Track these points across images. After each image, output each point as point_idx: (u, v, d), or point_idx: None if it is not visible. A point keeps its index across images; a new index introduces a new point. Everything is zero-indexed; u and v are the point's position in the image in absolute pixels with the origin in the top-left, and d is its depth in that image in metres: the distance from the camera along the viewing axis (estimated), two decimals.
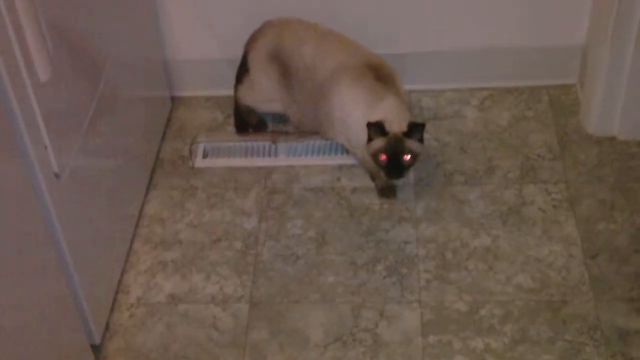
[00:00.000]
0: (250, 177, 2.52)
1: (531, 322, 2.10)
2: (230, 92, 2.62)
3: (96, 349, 2.08)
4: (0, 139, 1.62)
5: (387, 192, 2.43)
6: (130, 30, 2.41)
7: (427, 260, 2.26)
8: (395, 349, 2.08)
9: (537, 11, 2.60)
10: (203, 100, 2.78)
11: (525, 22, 2.63)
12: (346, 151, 2.52)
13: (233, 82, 2.59)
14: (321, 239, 2.34)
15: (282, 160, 2.57)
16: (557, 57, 2.67)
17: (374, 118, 2.26)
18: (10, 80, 1.64)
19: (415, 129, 2.25)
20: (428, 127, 2.47)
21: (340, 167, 2.53)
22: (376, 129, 2.24)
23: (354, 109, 2.33)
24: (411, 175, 2.46)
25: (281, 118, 2.61)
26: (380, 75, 2.35)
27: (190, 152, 2.61)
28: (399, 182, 2.42)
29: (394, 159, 2.25)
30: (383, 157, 2.25)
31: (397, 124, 2.25)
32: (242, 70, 2.55)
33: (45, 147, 1.79)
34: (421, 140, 2.27)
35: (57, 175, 1.84)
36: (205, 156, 2.60)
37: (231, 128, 2.67)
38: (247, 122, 2.64)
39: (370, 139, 2.27)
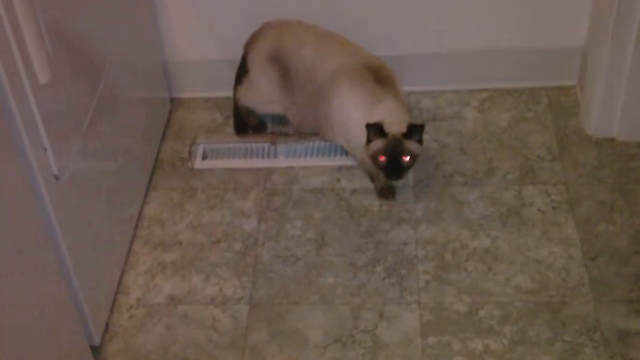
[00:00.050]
0: (249, 178, 2.53)
1: (530, 323, 2.11)
2: (230, 93, 2.62)
3: (96, 350, 2.08)
4: None
5: (386, 193, 2.43)
6: (129, 31, 2.41)
7: (427, 261, 2.26)
8: (394, 350, 2.08)
9: (536, 13, 2.60)
10: (202, 101, 2.78)
11: (525, 24, 2.63)
12: (345, 152, 2.52)
13: (232, 83, 2.59)
14: (320, 240, 2.34)
15: (281, 162, 2.57)
16: (557, 58, 2.68)
17: (373, 119, 2.26)
18: (10, 82, 1.64)
19: (415, 130, 2.25)
20: (427, 128, 2.48)
21: (340, 169, 2.53)
22: (375, 130, 2.24)
23: (353, 111, 2.34)
24: (410, 177, 2.46)
25: (281, 119, 2.61)
26: (379, 77, 2.35)
27: (190, 154, 2.61)
28: (398, 184, 2.42)
29: (393, 160, 2.25)
30: (382, 158, 2.25)
31: (396, 126, 2.25)
32: (242, 72, 2.55)
33: (45, 149, 1.79)
34: (420, 141, 2.27)
35: (56, 177, 1.84)
36: (204, 157, 2.60)
37: (230, 129, 2.67)
38: (246, 123, 2.64)
39: (369, 141, 2.27)
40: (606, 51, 2.39)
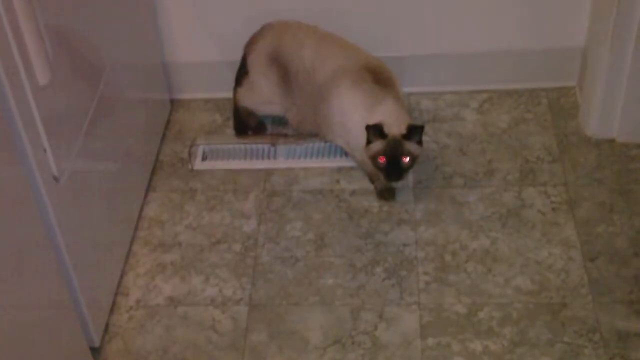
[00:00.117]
0: (249, 179, 2.53)
1: (530, 324, 2.10)
2: (230, 94, 2.62)
3: (95, 351, 2.08)
4: None
5: (386, 194, 2.43)
6: (129, 32, 2.41)
7: (426, 262, 2.26)
8: (394, 351, 2.08)
9: (536, 13, 2.60)
10: (202, 102, 2.78)
11: (525, 25, 2.63)
12: (345, 154, 2.52)
13: (232, 84, 2.59)
14: (320, 242, 2.34)
15: (281, 163, 2.57)
16: (556, 59, 2.68)
17: (373, 121, 2.26)
18: (10, 83, 1.64)
19: (414, 132, 2.25)
20: (427, 129, 2.48)
21: (340, 170, 2.53)
22: (375, 131, 2.24)
23: (353, 112, 2.34)
24: (410, 178, 2.46)
25: (280, 120, 2.61)
26: (379, 78, 2.36)
27: (190, 155, 2.61)
28: (398, 185, 2.42)
29: (393, 162, 2.25)
30: (382, 159, 2.25)
31: (396, 127, 2.25)
32: (242, 73, 2.55)
33: (45, 151, 1.79)
34: (420, 142, 2.27)
35: (56, 179, 1.84)
36: (204, 158, 2.60)
37: (230, 130, 2.67)
38: (246, 124, 2.64)
39: (369, 142, 2.27)
40: (606, 51, 2.39)
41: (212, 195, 2.49)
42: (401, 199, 2.43)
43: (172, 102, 2.78)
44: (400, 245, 2.31)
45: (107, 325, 2.16)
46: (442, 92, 2.74)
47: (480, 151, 2.54)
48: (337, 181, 2.50)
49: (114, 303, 2.22)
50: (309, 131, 2.54)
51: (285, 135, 2.61)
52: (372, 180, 2.45)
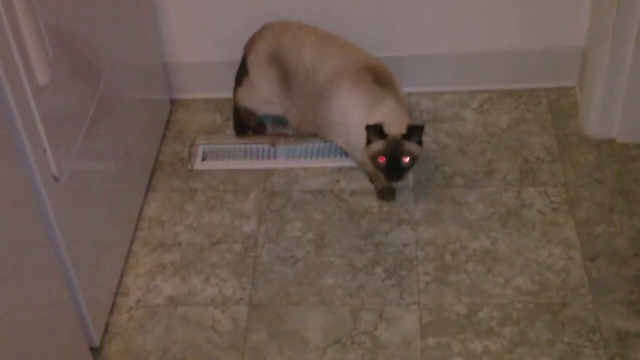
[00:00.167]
0: (249, 179, 2.53)
1: (530, 324, 2.10)
2: (230, 94, 2.62)
3: (95, 351, 2.08)
4: None
5: (386, 194, 2.43)
6: (129, 32, 2.41)
7: (426, 262, 2.26)
8: (394, 351, 2.08)
9: (536, 13, 2.60)
10: (202, 102, 2.78)
11: (525, 25, 2.63)
12: (345, 154, 2.52)
13: (232, 84, 2.59)
14: (320, 242, 2.34)
15: (281, 163, 2.57)
16: (556, 59, 2.68)
17: (373, 121, 2.26)
18: (9, 83, 1.64)
19: (414, 132, 2.25)
20: (427, 129, 2.48)
21: (340, 170, 2.53)
22: (375, 131, 2.24)
23: (353, 112, 2.34)
24: (410, 178, 2.46)
25: (280, 120, 2.61)
26: (379, 78, 2.36)
27: (190, 155, 2.61)
28: (398, 185, 2.42)
29: (393, 162, 2.25)
30: (382, 159, 2.25)
31: (396, 127, 2.25)
32: (242, 73, 2.55)
33: (45, 151, 1.79)
34: (420, 142, 2.27)
35: (56, 179, 1.84)
36: (204, 158, 2.60)
37: (230, 130, 2.67)
38: (246, 124, 2.64)
39: (369, 142, 2.27)
40: (606, 52, 2.39)
41: (212, 195, 2.49)
42: (401, 199, 2.43)
43: (172, 102, 2.78)
44: (400, 245, 2.31)
45: (107, 325, 2.16)
46: (442, 92, 2.74)
47: (480, 151, 2.54)
48: (337, 181, 2.50)
49: (114, 303, 2.22)
50: (309, 131, 2.54)
51: (285, 135, 2.62)
52: (372, 180, 2.45)
